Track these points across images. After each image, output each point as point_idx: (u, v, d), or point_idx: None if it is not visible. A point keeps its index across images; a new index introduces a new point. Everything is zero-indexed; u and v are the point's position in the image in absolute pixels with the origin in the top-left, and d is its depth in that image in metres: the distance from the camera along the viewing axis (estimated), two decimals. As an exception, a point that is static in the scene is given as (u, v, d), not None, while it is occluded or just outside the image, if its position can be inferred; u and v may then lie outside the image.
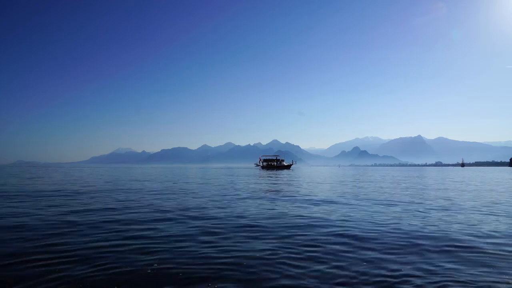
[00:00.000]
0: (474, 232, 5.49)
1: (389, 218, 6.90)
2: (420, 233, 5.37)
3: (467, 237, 5.13)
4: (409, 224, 6.20)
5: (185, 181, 20.82)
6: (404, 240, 4.94)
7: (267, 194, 12.18)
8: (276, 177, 25.94)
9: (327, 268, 3.66)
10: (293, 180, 22.53)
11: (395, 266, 3.72)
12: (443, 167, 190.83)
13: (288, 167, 72.62)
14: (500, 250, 4.41)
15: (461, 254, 4.24)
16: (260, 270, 3.55)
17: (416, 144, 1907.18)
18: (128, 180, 22.29)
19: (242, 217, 6.91)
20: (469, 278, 3.39)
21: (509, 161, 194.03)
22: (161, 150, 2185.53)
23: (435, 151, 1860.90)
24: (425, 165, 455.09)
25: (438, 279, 3.36)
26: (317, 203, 9.44)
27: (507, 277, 3.44)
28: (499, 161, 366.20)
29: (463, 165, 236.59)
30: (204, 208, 8.32)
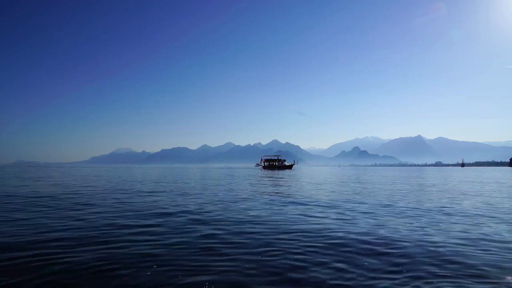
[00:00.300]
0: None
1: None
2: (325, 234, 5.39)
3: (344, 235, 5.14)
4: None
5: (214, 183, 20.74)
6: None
7: (275, 196, 11.62)
8: (278, 178, 25.64)
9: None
10: (293, 181, 22.46)
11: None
12: (443, 167, 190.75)
13: (289, 167, 72.49)
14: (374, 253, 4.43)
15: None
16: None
17: (416, 144, 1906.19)
18: (171, 181, 22.24)
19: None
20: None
21: (509, 161, 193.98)
22: (161, 150, 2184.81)
23: (435, 151, 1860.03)
24: (425, 165, 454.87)
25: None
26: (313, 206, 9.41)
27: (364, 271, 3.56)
28: (499, 161, 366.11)
29: (463, 165, 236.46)
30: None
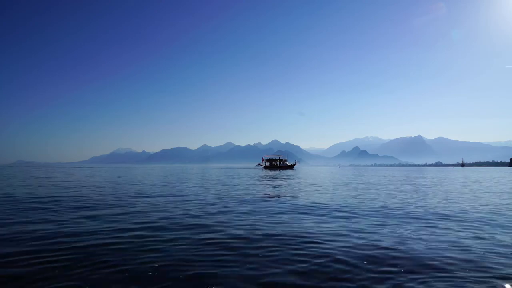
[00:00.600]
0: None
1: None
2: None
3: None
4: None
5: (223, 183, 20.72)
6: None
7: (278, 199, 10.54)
8: (280, 179, 25.00)
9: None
10: (296, 183, 22.42)
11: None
12: (443, 167, 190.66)
13: (291, 167, 72.37)
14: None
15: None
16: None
17: (416, 144, 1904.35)
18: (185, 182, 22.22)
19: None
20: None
21: (509, 161, 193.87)
22: (161, 150, 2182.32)
23: (435, 151, 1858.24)
24: (425, 165, 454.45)
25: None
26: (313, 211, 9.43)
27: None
28: (499, 161, 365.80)
29: (463, 165, 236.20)
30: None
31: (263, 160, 74.15)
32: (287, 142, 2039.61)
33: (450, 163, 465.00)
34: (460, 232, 5.65)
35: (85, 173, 37.56)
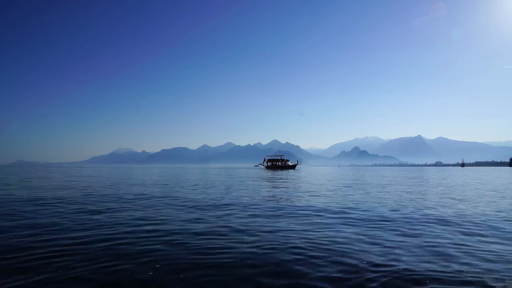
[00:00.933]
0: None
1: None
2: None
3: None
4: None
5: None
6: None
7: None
8: (283, 180, 24.12)
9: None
10: (301, 184, 22.30)
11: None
12: (443, 167, 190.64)
13: (293, 167, 72.06)
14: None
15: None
16: None
17: (416, 144, 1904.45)
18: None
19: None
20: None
21: (509, 161, 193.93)
22: (161, 150, 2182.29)
23: (435, 151, 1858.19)
24: (425, 165, 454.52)
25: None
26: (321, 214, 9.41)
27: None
28: (499, 161, 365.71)
29: (463, 165, 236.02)
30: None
31: (264, 160, 74.02)
32: (287, 142, 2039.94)
33: (450, 163, 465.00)
34: None
35: (107, 173, 37.60)
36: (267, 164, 72.68)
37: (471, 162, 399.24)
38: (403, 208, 8.56)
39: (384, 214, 7.43)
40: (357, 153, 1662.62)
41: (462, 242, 4.85)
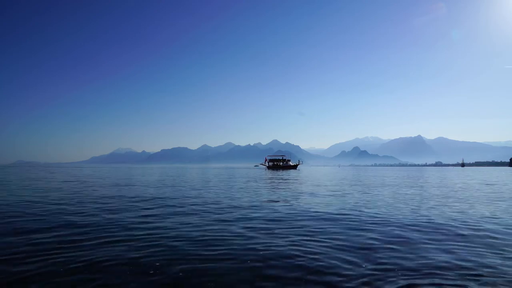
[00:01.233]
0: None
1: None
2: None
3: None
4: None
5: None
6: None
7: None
8: (285, 181, 23.45)
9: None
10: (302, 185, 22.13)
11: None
12: (443, 167, 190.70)
13: (294, 167, 71.84)
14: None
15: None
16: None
17: (416, 144, 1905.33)
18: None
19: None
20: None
21: (509, 161, 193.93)
22: (161, 150, 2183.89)
23: (435, 151, 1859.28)
24: (425, 165, 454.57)
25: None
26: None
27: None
28: (499, 161, 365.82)
29: (463, 165, 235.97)
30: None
31: (266, 160, 73.85)
32: (287, 142, 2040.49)
33: (450, 163, 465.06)
34: None
35: (121, 174, 37.56)
36: (268, 164, 72.54)
37: (471, 162, 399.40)
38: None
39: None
40: (357, 153, 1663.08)
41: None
